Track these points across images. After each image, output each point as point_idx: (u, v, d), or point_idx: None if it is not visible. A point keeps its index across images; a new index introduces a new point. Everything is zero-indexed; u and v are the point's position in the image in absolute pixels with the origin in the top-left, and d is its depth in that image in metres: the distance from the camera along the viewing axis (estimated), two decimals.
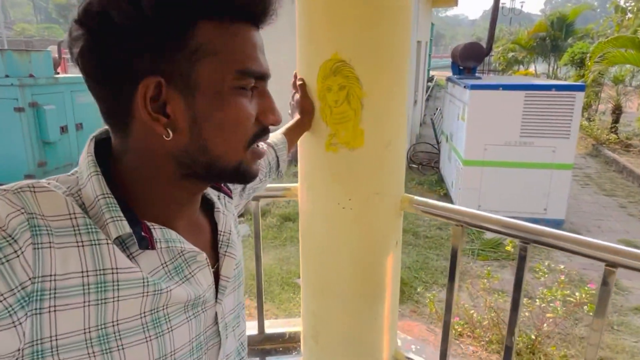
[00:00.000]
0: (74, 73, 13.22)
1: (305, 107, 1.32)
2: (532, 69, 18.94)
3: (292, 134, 1.29)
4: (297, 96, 1.33)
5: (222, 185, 0.75)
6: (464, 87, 5.16)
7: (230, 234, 0.68)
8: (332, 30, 1.24)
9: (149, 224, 0.55)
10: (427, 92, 15.53)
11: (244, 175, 0.59)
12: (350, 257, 1.43)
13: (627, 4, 13.82)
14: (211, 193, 0.71)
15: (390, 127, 1.33)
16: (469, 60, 5.96)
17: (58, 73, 7.61)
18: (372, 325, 1.52)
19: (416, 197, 1.47)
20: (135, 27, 0.48)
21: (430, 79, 19.15)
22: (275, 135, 1.22)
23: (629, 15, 13.33)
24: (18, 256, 0.44)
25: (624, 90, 9.72)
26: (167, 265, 0.57)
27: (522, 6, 24.27)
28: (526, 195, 5.03)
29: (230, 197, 0.76)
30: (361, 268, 1.45)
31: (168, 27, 0.49)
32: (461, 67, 6.22)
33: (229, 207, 0.75)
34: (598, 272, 4.15)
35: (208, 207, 0.70)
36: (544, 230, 1.22)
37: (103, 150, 0.57)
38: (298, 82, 1.33)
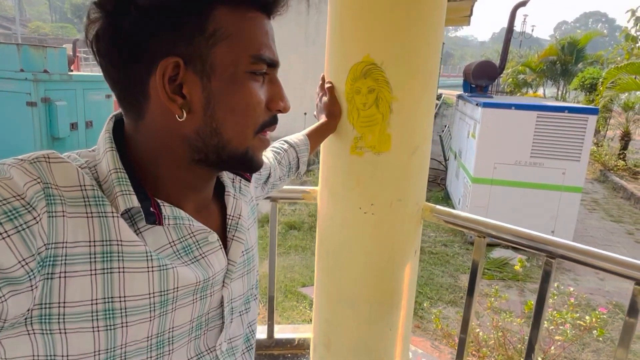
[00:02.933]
0: (87, 71, 13.35)
1: (333, 111, 1.31)
2: (540, 92, 18.99)
3: (316, 136, 1.28)
4: (325, 98, 1.32)
5: None
6: (476, 104, 5.16)
7: (239, 218, 0.68)
8: (365, 33, 1.23)
9: (159, 201, 0.55)
10: (435, 109, 15.55)
11: (250, 163, 0.60)
12: (368, 264, 1.41)
13: (638, 33, 13.89)
14: (225, 176, 0.71)
15: (418, 133, 1.31)
16: (481, 79, 5.96)
17: (72, 70, 7.67)
18: (386, 335, 1.49)
19: (438, 206, 1.45)
20: (155, 7, 0.50)
21: (438, 97, 19.24)
22: (298, 136, 1.21)
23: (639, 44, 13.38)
24: (37, 222, 0.45)
25: (633, 117, 9.71)
26: (175, 245, 0.57)
27: (532, 30, 24.45)
28: (534, 216, 4.99)
29: (248, 180, 0.75)
30: (379, 276, 1.42)
31: (187, 9, 0.51)
32: (473, 85, 6.23)
33: (244, 191, 0.74)
34: (606, 298, 4.09)
35: (220, 191, 0.70)
36: (572, 245, 1.19)
37: (122, 130, 0.59)
38: (327, 85, 1.32)
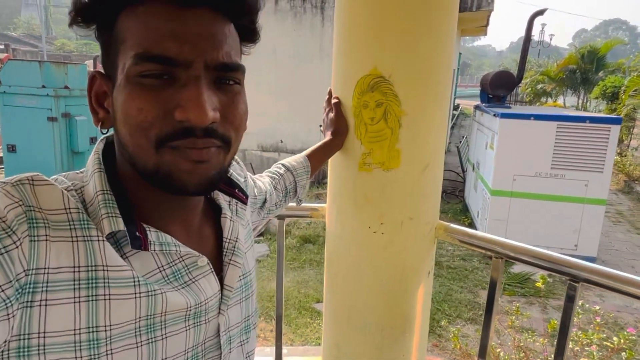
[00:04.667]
0: None
1: (339, 127, 1.25)
2: (560, 101, 18.65)
3: (321, 154, 1.23)
4: (331, 115, 1.27)
5: (236, 190, 0.71)
6: (494, 115, 5.05)
7: (236, 241, 0.65)
8: (373, 44, 1.18)
9: (145, 225, 0.53)
10: (452, 120, 15.43)
11: (167, 183, 0.51)
12: (379, 285, 1.34)
13: None
14: (221, 199, 0.68)
15: (429, 148, 1.25)
16: (499, 89, 5.85)
17: None
18: None
19: (452, 225, 1.37)
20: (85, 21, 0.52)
21: (455, 108, 19.09)
22: (297, 158, 1.17)
23: None
24: (17, 247, 0.43)
25: None
26: (164, 269, 0.55)
27: (550, 39, 24.12)
28: (556, 229, 4.83)
29: (244, 202, 0.72)
30: (390, 298, 1.35)
31: (99, 21, 0.51)
32: (490, 96, 6.12)
33: (241, 214, 0.71)
34: (634, 316, 3.92)
35: (217, 213, 0.67)
36: (597, 268, 1.11)
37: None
38: (333, 100, 1.27)
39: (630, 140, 10.58)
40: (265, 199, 0.97)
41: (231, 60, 0.52)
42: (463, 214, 6.47)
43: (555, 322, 2.79)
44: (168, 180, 0.50)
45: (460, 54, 13.46)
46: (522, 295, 4.21)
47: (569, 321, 1.18)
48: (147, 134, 0.49)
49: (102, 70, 0.54)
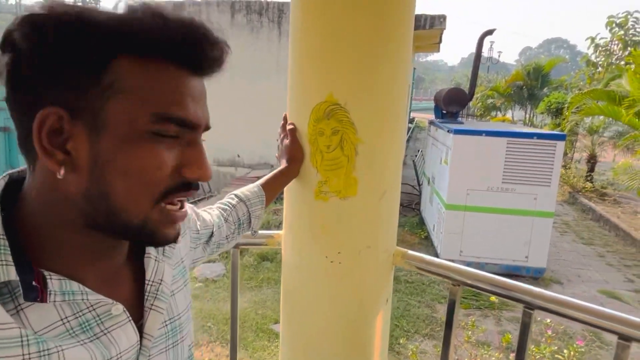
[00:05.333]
0: None
1: (295, 155, 1.21)
2: (509, 115, 19.53)
3: (276, 183, 1.19)
4: (286, 141, 1.23)
5: None
6: (448, 131, 5.19)
7: (160, 283, 0.61)
8: (328, 71, 1.15)
9: (46, 273, 0.48)
10: (408, 133, 15.82)
11: (151, 237, 0.53)
12: (337, 315, 1.30)
13: (598, 59, 14.54)
14: None
15: (386, 176, 1.23)
16: (452, 105, 6.04)
17: None
18: None
19: (410, 252, 1.36)
20: (37, 52, 0.45)
21: (411, 121, 19.59)
22: (250, 188, 1.13)
23: (600, 69, 13.99)
24: None
25: (598, 140, 10.03)
26: (68, 321, 0.49)
27: (499, 56, 25.32)
28: (508, 242, 4.99)
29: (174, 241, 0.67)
30: (349, 328, 1.31)
31: (77, 58, 0.46)
32: (444, 111, 6.30)
33: (168, 253, 0.66)
34: (581, 325, 4.06)
35: (140, 252, 0.63)
36: (552, 296, 1.12)
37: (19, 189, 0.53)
38: (288, 127, 1.23)
39: (573, 153, 11.20)
40: (212, 233, 0.92)
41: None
42: (419, 227, 6.58)
43: (510, 336, 2.85)
44: (153, 235, 0.52)
45: (414, 69, 13.84)
46: (477, 308, 4.30)
47: (525, 346, 1.18)
48: (154, 189, 0.50)
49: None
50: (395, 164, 1.26)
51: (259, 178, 1.22)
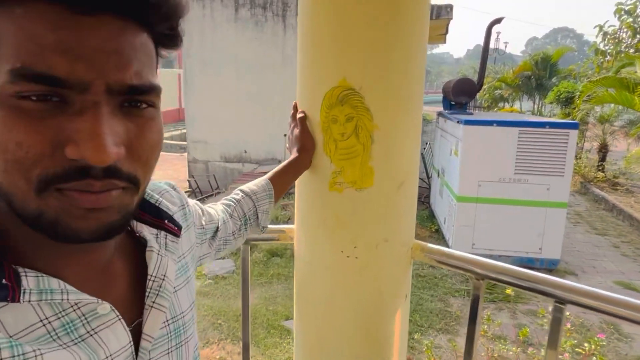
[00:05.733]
0: None
1: (305, 144, 1.15)
2: (517, 106, 19.31)
3: (286, 175, 1.13)
4: (296, 131, 1.17)
5: (166, 221, 0.61)
6: (457, 122, 5.10)
7: (163, 279, 0.55)
8: (341, 54, 1.08)
9: (21, 270, 0.42)
10: None
11: (55, 231, 0.41)
12: (353, 313, 1.23)
13: (607, 47, 14.29)
14: (146, 231, 0.58)
15: (403, 165, 1.16)
16: (460, 96, 5.93)
17: None
18: None
19: (429, 245, 1.29)
20: None
21: None
22: (258, 182, 1.06)
23: (609, 57, 13.76)
24: None
25: (609, 129, 9.86)
26: (50, 323, 0.44)
27: (505, 47, 25.03)
28: (521, 233, 4.90)
29: (177, 235, 0.63)
30: (366, 326, 1.25)
31: None
32: (453, 102, 6.20)
33: (172, 248, 0.61)
34: (598, 316, 3.97)
35: (140, 247, 0.57)
36: (585, 290, 1.05)
37: None
38: (299, 115, 1.17)
39: (584, 143, 11.04)
40: (218, 228, 0.87)
41: (142, 81, 0.43)
42: (429, 221, 6.50)
43: (527, 329, 2.77)
44: (53, 227, 0.40)
45: None
46: (491, 301, 4.22)
47: (557, 344, 1.11)
48: (28, 174, 0.38)
49: None
50: (413, 152, 1.19)
51: (266, 174, 1.16)
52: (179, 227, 0.64)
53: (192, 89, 7.60)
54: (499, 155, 4.80)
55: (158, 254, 0.57)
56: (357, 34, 1.06)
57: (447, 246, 5.40)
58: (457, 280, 4.63)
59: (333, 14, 1.08)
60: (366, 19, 1.06)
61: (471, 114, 6.23)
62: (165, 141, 13.88)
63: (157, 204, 0.62)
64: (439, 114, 6.66)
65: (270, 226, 1.46)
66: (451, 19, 7.54)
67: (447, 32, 9.65)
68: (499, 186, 4.86)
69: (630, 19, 13.40)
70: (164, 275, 0.56)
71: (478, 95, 18.47)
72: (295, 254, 1.33)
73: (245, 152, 7.60)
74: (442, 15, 7.32)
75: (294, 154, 1.15)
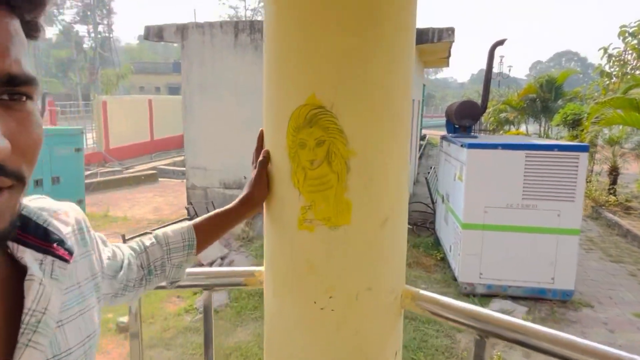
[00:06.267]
0: (65, 125, 13.05)
1: (253, 194, 0.99)
2: (522, 129, 19.13)
3: (221, 222, 0.97)
4: (253, 173, 1.01)
5: (54, 244, 0.55)
6: (461, 145, 4.91)
7: (43, 314, 0.49)
8: (308, 66, 0.90)
9: None
10: (420, 150, 15.55)
11: None
12: None
13: (612, 69, 14.16)
14: (29, 255, 0.52)
15: (387, 197, 0.97)
16: (464, 119, 5.76)
17: None
18: None
19: (422, 292, 1.08)
20: None
21: (422, 138, 19.33)
22: (178, 228, 0.90)
23: (614, 79, 13.62)
24: None
25: (620, 151, 9.62)
26: None
27: (509, 70, 25.06)
28: (532, 262, 4.63)
29: (67, 260, 0.56)
30: None
31: None
32: (456, 126, 6.02)
33: (60, 276, 0.54)
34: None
35: (21, 274, 0.51)
36: (610, 352, 0.83)
37: None
38: (260, 158, 0.99)
39: (593, 165, 10.78)
40: (121, 267, 0.76)
41: (22, 70, 0.42)
42: (435, 248, 6.24)
43: None
44: None
45: (424, 85, 13.65)
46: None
47: None
48: None
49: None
50: (399, 181, 1.00)
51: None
52: (71, 252, 0.57)
53: (192, 114, 7.51)
54: (506, 179, 4.58)
55: (40, 284, 0.51)
56: (327, 41, 0.89)
57: (454, 275, 5.13)
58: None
59: (299, 18, 0.91)
60: (339, 23, 0.88)
61: (476, 137, 6.04)
62: (167, 167, 13.72)
63: (44, 225, 0.56)
64: (443, 138, 6.49)
65: (237, 268, 1.26)
66: (453, 41, 7.44)
67: (449, 55, 9.58)
68: (507, 212, 4.62)
69: (635, 41, 13.30)
70: (45, 309, 0.50)
71: (483, 118, 18.35)
72: (265, 303, 1.13)
73: (245, 178, 7.44)
74: (444, 38, 7.23)
75: (239, 199, 0.97)
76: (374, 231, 0.96)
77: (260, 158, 0.99)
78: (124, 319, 3.78)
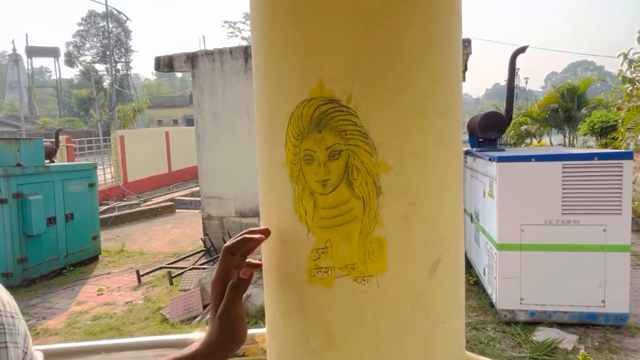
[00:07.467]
0: (83, 161, 13.10)
1: (224, 339, 0.66)
2: (545, 140, 18.58)
3: None
4: (220, 307, 0.66)
5: None
6: (489, 159, 4.55)
7: None
8: (313, 39, 0.61)
9: None
10: None
11: None
12: None
13: (634, 75, 13.65)
14: None
15: (438, 229, 0.66)
16: (490, 131, 5.40)
17: (53, 161, 7.27)
18: None
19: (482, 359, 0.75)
20: None
21: None
22: None
23: (638, 85, 13.10)
24: None
25: None
26: None
27: (526, 82, 24.66)
28: (578, 285, 4.18)
29: None
30: None
31: None
32: (481, 139, 5.66)
33: None
34: None
35: None
36: None
37: None
38: (242, 274, 0.65)
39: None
40: None
41: None
42: (466, 271, 5.80)
43: None
44: None
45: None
46: None
47: None
48: None
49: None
50: (453, 204, 0.68)
51: None
52: None
53: (205, 143, 7.34)
54: (542, 194, 4.19)
55: None
56: (341, 4, 0.60)
57: (491, 302, 4.69)
58: (507, 345, 3.91)
59: None
60: None
61: (503, 150, 5.67)
62: (184, 198, 13.59)
63: None
64: (467, 152, 6.13)
65: None
66: (470, 53, 7.16)
67: (466, 68, 9.29)
68: (546, 230, 4.21)
69: None
70: None
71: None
72: None
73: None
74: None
75: (201, 340, 0.67)
76: (421, 281, 0.65)
77: (242, 277, 0.64)
78: None
